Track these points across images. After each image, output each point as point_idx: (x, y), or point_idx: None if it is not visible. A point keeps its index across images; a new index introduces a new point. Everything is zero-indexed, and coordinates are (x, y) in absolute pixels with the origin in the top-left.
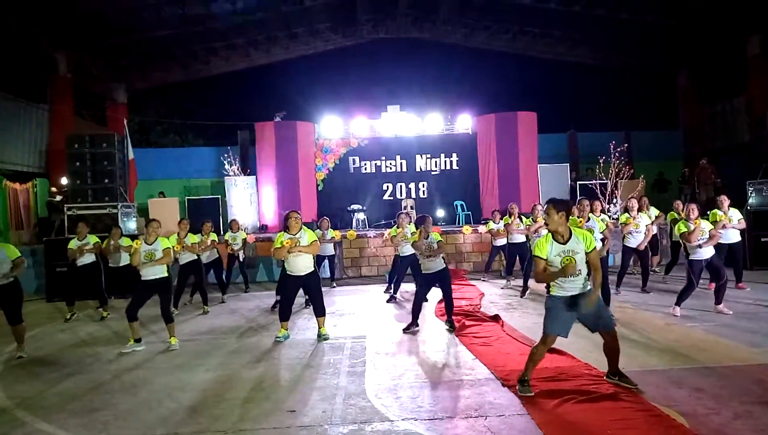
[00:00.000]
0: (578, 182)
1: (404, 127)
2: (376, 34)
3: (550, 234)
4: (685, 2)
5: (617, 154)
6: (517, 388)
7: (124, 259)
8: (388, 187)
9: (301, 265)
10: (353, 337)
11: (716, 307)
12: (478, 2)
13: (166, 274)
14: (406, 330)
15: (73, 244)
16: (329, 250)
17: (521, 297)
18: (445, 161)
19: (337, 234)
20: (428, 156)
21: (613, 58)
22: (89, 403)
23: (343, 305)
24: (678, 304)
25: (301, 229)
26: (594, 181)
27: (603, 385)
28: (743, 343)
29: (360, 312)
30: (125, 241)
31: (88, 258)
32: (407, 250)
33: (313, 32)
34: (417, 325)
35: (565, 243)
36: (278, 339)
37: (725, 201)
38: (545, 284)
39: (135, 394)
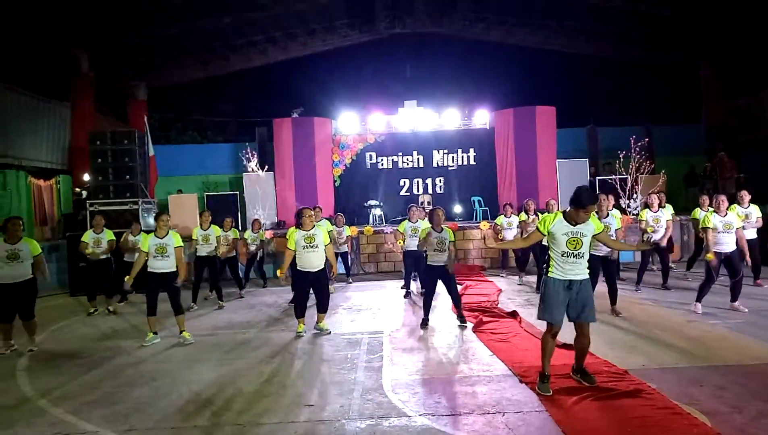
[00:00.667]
0: (597, 177)
1: (421, 122)
2: (393, 29)
3: (561, 212)
4: None
5: (638, 149)
6: (536, 385)
7: None
8: (405, 182)
9: (315, 261)
10: (370, 333)
11: (731, 305)
12: None
13: (174, 268)
14: (423, 326)
15: (88, 236)
16: (344, 247)
17: (537, 293)
18: (463, 156)
19: (353, 230)
20: (445, 151)
21: (633, 52)
22: (110, 396)
23: (360, 301)
24: (698, 300)
25: (314, 226)
26: (614, 177)
27: (622, 382)
28: (766, 341)
29: (377, 307)
30: (143, 238)
31: (103, 253)
32: (412, 244)
33: (331, 28)
34: (428, 322)
35: (575, 224)
36: (299, 333)
37: (746, 196)
38: (545, 265)
39: (155, 387)
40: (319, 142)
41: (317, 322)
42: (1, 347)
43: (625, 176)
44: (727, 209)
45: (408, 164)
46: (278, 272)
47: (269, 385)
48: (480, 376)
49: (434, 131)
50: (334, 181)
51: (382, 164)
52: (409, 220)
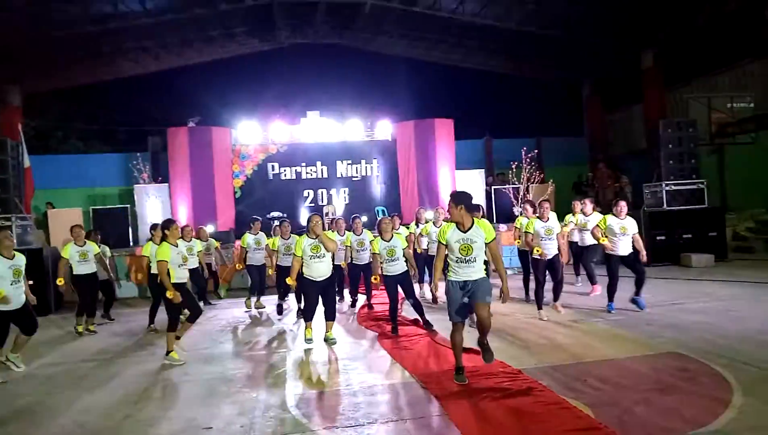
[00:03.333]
0: (493, 187)
1: (325, 133)
2: (294, 39)
3: (455, 223)
4: (586, 18)
5: (528, 160)
6: (454, 377)
7: None
8: (309, 193)
9: (324, 269)
10: (274, 349)
11: (553, 304)
12: (396, 12)
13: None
14: (393, 331)
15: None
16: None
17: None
18: (366, 167)
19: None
20: (349, 162)
21: (525, 68)
22: None
23: (262, 316)
24: (539, 307)
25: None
26: (507, 186)
27: (516, 382)
28: (642, 336)
29: (280, 322)
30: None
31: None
32: (361, 257)
33: (229, 36)
34: (397, 329)
35: (465, 232)
36: (308, 340)
37: (623, 209)
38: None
39: (33, 422)
40: (218, 152)
41: (325, 333)
42: None
43: (518, 185)
44: (548, 215)
45: (312, 175)
46: (288, 280)
47: (162, 410)
48: (384, 385)
49: (338, 142)
50: (235, 193)
51: (285, 175)
52: (354, 233)
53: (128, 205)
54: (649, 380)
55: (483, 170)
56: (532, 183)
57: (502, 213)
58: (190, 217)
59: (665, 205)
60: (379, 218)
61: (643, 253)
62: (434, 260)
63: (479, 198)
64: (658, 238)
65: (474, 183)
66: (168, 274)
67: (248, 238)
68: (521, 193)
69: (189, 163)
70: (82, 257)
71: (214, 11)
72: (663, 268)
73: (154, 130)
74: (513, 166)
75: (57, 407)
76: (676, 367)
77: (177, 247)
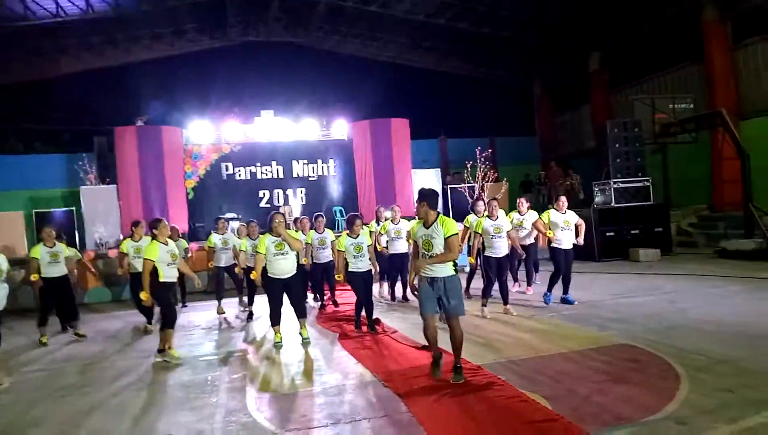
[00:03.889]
0: (449, 186)
1: (279, 132)
2: (246, 36)
3: (422, 220)
4: (536, 21)
5: (483, 159)
6: (432, 373)
7: None
8: (264, 193)
9: (287, 267)
10: (230, 352)
11: (505, 308)
12: (349, 11)
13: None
14: (371, 329)
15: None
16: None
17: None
18: (323, 167)
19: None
20: (305, 162)
21: (478, 69)
22: None
23: (218, 319)
24: (484, 304)
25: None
26: (463, 185)
27: (476, 377)
28: (594, 329)
29: (237, 325)
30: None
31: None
32: (321, 256)
33: (179, 33)
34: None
35: (428, 228)
36: (277, 344)
37: (564, 203)
38: None
39: None
40: (168, 152)
41: (300, 331)
42: None
43: (473, 184)
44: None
45: (267, 175)
46: (252, 274)
47: (118, 419)
48: (345, 385)
49: (293, 141)
50: (188, 194)
51: (240, 175)
52: (316, 231)
53: (74, 208)
54: (602, 371)
55: (439, 169)
56: (487, 182)
57: (458, 212)
58: (140, 219)
59: (614, 202)
60: (347, 216)
61: (581, 237)
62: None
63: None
64: (607, 233)
65: (430, 182)
66: (155, 272)
67: (214, 237)
68: (476, 192)
69: (138, 164)
70: (52, 258)
71: (162, 7)
72: (613, 262)
73: (101, 130)
74: (468, 166)
75: (12, 418)
76: (628, 358)
77: (167, 245)
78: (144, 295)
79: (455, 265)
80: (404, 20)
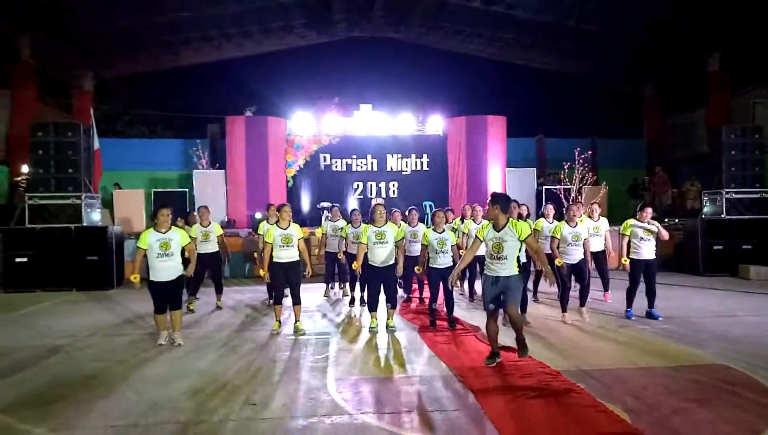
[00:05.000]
0: (544, 187)
1: (376, 126)
2: (350, 32)
3: (492, 221)
4: (651, 18)
5: (582, 161)
6: (485, 360)
7: None
8: (358, 185)
9: (384, 255)
10: (317, 334)
11: (579, 309)
12: (453, 7)
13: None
14: (431, 325)
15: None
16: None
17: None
18: (416, 162)
19: (305, 231)
20: (399, 156)
21: (582, 68)
22: (48, 396)
23: (307, 302)
24: (564, 310)
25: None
26: (559, 186)
27: (554, 382)
28: (687, 345)
29: (324, 309)
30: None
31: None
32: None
33: (288, 28)
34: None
35: (498, 231)
36: (372, 329)
37: (647, 214)
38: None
39: (94, 387)
40: (272, 141)
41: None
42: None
43: (570, 186)
44: (578, 220)
45: (362, 167)
46: (260, 271)
47: (212, 385)
48: (421, 376)
49: (389, 135)
50: (287, 182)
51: (336, 166)
52: (409, 224)
53: (186, 189)
54: (691, 390)
55: (535, 169)
56: (585, 184)
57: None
58: (243, 204)
59: (724, 214)
60: (433, 211)
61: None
62: (467, 255)
63: (530, 197)
64: (715, 247)
65: (525, 181)
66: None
67: (327, 225)
68: (572, 194)
69: (245, 151)
70: (204, 237)
71: (275, 3)
72: (719, 278)
73: (213, 118)
74: (566, 167)
75: (117, 377)
76: (722, 379)
77: (285, 229)
78: (262, 272)
79: (519, 262)
80: (506, 16)
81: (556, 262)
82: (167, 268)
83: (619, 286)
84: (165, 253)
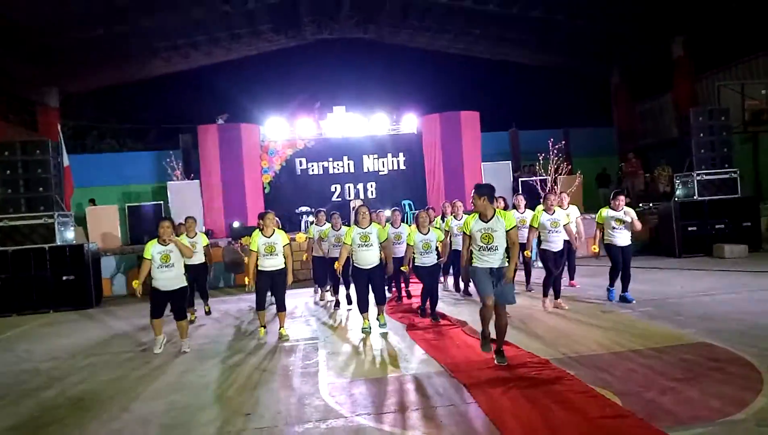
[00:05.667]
0: (520, 179)
1: (351, 127)
2: (320, 34)
3: (477, 214)
4: (614, 5)
5: (556, 151)
6: (480, 346)
7: None
8: (336, 188)
9: (370, 258)
10: (305, 339)
11: (557, 302)
12: (420, 5)
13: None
14: (433, 318)
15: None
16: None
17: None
18: (393, 161)
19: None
20: (375, 156)
21: (551, 59)
22: (36, 421)
23: (293, 308)
24: (545, 295)
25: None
26: (534, 178)
27: (544, 371)
28: (670, 325)
29: (310, 314)
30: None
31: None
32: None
33: (256, 33)
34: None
35: (487, 222)
36: (364, 329)
37: (621, 201)
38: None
39: (83, 408)
40: (246, 148)
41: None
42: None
43: (545, 177)
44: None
45: (339, 169)
46: (245, 279)
47: (204, 397)
48: (414, 374)
49: (364, 136)
50: (264, 188)
51: (313, 170)
52: (392, 226)
53: (162, 202)
54: (678, 369)
55: (510, 162)
56: (560, 174)
57: (529, 205)
58: (221, 213)
59: (696, 195)
60: (416, 213)
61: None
62: (461, 251)
63: (506, 190)
64: (689, 228)
65: (501, 175)
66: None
67: (313, 229)
68: (548, 185)
69: (219, 159)
70: (194, 247)
71: (242, 9)
72: (694, 258)
73: (185, 127)
74: (540, 158)
75: (103, 395)
76: (706, 357)
77: (269, 238)
78: (247, 280)
79: (507, 253)
80: (474, 11)
81: (525, 253)
82: (168, 278)
83: (588, 273)
84: (165, 264)
